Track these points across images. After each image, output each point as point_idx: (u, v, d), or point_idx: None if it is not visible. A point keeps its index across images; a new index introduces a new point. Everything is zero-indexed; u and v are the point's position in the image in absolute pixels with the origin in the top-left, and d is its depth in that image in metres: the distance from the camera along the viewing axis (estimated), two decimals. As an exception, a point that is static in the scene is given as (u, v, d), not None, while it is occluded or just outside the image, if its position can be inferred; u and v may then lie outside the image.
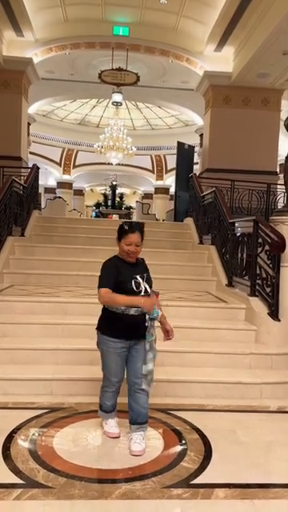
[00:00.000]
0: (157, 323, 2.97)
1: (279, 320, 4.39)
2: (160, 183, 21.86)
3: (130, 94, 12.75)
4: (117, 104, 13.39)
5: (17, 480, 2.47)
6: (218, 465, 2.71)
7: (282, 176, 6.98)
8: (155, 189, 22.15)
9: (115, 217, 16.15)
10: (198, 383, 3.81)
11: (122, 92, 12.29)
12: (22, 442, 2.89)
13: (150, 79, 12.43)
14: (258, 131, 10.56)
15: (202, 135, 12.40)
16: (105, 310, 3.00)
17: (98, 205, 20.00)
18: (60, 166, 21.23)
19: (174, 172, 13.97)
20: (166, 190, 21.57)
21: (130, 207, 19.46)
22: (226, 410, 3.57)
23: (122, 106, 15.04)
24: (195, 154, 12.68)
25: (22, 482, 2.45)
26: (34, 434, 3.00)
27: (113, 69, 11.16)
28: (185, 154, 11.66)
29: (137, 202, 17.54)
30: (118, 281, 2.85)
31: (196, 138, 14.11)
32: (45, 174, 19.55)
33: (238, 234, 5.67)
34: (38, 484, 2.42)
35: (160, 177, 21.83)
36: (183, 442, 2.99)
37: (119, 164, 17.70)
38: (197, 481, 2.53)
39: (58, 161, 21.09)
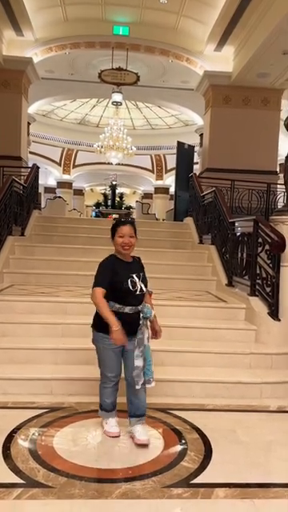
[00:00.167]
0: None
1: (279, 320, 4.39)
2: (160, 183, 21.86)
3: (130, 93, 12.75)
4: (117, 104, 13.39)
5: (17, 479, 2.47)
6: (218, 464, 2.71)
7: (281, 176, 6.98)
8: (155, 188, 22.15)
9: (115, 217, 16.12)
10: (198, 383, 3.81)
11: (122, 92, 12.29)
12: (22, 442, 2.89)
13: (150, 79, 12.43)
14: (257, 131, 10.55)
15: (201, 135, 12.40)
16: None
17: (97, 204, 20.01)
18: (60, 165, 21.23)
19: (173, 172, 13.97)
20: (165, 190, 21.57)
21: (130, 207, 19.46)
22: (226, 410, 3.57)
23: (122, 105, 15.04)
24: (195, 154, 12.67)
25: (22, 481, 2.45)
26: (34, 434, 3.00)
27: (113, 68, 11.16)
28: (185, 153, 11.66)
29: (137, 201, 17.55)
30: (114, 280, 2.91)
31: (196, 138, 14.11)
32: (45, 173, 19.55)
33: (238, 234, 5.67)
34: (38, 483, 2.42)
35: (160, 176, 21.83)
36: (183, 441, 2.99)
37: (119, 164, 17.69)
38: (197, 480, 2.53)
39: (58, 160, 21.10)
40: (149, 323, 3.07)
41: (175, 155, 11.91)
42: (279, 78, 10.04)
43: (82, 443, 2.93)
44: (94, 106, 18.08)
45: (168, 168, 21.20)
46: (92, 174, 22.10)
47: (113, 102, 13.40)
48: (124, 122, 16.72)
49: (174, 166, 12.33)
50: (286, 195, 5.08)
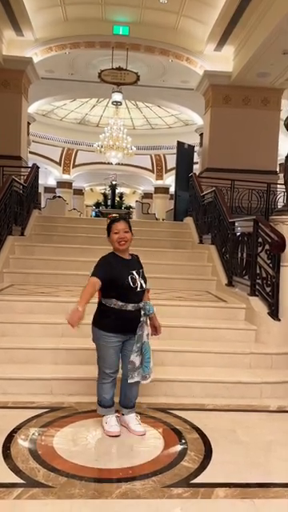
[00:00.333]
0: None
1: (279, 320, 4.39)
2: (160, 183, 21.85)
3: (130, 93, 12.75)
4: (117, 103, 13.38)
5: (17, 479, 2.47)
6: (218, 464, 2.71)
7: (281, 175, 6.98)
8: (155, 188, 22.14)
9: (114, 215, 16.10)
10: (198, 383, 3.81)
11: (122, 91, 12.28)
12: (22, 442, 2.89)
13: (150, 78, 12.43)
14: (257, 131, 10.55)
15: (201, 135, 12.39)
16: (101, 305, 3.09)
17: (97, 204, 19.98)
18: (60, 165, 21.22)
19: (173, 171, 13.97)
20: (165, 190, 21.56)
21: (130, 207, 19.45)
22: (226, 410, 3.57)
23: (122, 105, 15.02)
24: (195, 154, 12.67)
25: (22, 481, 2.45)
26: (34, 434, 3.00)
27: (113, 68, 11.16)
28: (185, 153, 11.65)
29: (136, 201, 17.54)
30: (114, 277, 2.96)
31: (196, 138, 14.11)
32: (44, 173, 19.54)
33: (238, 234, 5.67)
34: (39, 483, 2.42)
35: (160, 176, 21.83)
36: (183, 441, 2.99)
37: (119, 163, 17.68)
38: (197, 480, 2.53)
39: (58, 160, 21.08)
40: (148, 320, 3.13)
41: (175, 155, 11.90)
42: (279, 77, 10.04)
43: (82, 443, 2.93)
44: (94, 106, 18.07)
45: (168, 168, 21.19)
46: (92, 173, 22.09)
47: (113, 102, 13.40)
48: (124, 122, 16.71)
49: (174, 165, 12.32)
50: (286, 195, 5.08)
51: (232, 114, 10.55)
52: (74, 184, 21.94)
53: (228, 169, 10.07)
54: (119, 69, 11.13)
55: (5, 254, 6.15)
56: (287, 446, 3.06)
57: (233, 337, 4.49)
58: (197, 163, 13.19)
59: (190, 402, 3.64)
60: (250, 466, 2.74)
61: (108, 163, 17.63)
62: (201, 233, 7.76)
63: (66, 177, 21.45)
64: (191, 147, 12.04)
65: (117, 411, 3.19)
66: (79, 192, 22.93)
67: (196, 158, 13.23)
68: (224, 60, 10.41)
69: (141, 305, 3.04)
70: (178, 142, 11.80)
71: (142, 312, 3.03)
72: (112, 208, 17.63)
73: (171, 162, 18.89)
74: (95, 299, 3.18)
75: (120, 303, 2.98)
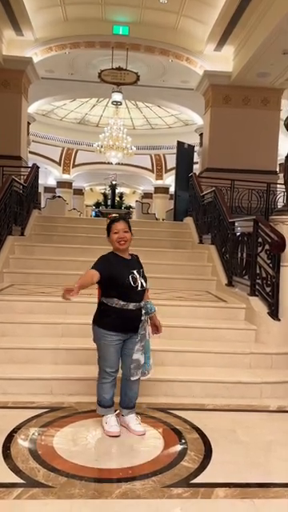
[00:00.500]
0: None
1: (279, 319, 4.39)
2: (160, 183, 21.86)
3: (130, 93, 12.75)
4: (116, 103, 13.38)
5: (17, 479, 2.47)
6: (218, 464, 2.71)
7: (281, 175, 6.98)
8: (155, 188, 22.14)
9: (114, 215, 16.10)
10: (198, 383, 3.81)
11: (122, 91, 12.28)
12: (22, 442, 2.89)
13: (150, 78, 12.43)
14: (257, 131, 10.55)
15: (201, 135, 12.39)
16: (102, 304, 3.11)
17: (97, 204, 19.97)
18: (60, 165, 21.22)
19: (173, 171, 13.96)
20: (165, 190, 21.56)
21: (130, 207, 19.44)
22: (226, 410, 3.57)
23: (122, 105, 15.02)
24: (195, 154, 12.67)
25: (22, 481, 2.45)
26: (33, 434, 3.00)
27: (113, 68, 11.16)
28: (184, 153, 11.65)
29: (136, 201, 17.54)
30: (115, 276, 2.98)
31: (196, 138, 14.11)
32: (44, 173, 19.54)
33: (238, 234, 5.67)
34: (39, 483, 2.42)
35: (160, 176, 21.83)
36: (183, 441, 2.99)
37: (119, 163, 17.68)
38: (197, 480, 2.53)
39: (58, 160, 21.09)
40: (149, 320, 3.18)
41: (175, 155, 11.90)
42: (279, 77, 10.04)
43: (82, 443, 2.93)
44: (94, 106, 18.07)
45: (168, 168, 21.19)
46: (92, 173, 22.09)
47: (113, 102, 13.39)
48: (124, 122, 16.71)
49: (174, 165, 12.32)
50: (286, 195, 5.08)
51: (232, 113, 10.55)
52: (73, 184, 21.94)
53: (228, 169, 10.07)
54: (119, 69, 11.13)
55: (5, 253, 6.15)
56: (287, 446, 3.06)
57: (233, 337, 4.49)
58: (197, 163, 13.19)
59: (190, 401, 3.64)
60: (250, 465, 2.74)
61: (108, 163, 17.63)
62: (201, 233, 7.76)
63: (65, 177, 21.45)
64: (191, 147, 12.04)
65: (117, 411, 3.19)
66: (79, 192, 22.93)
67: (196, 158, 13.23)
68: (224, 60, 10.41)
69: (142, 304, 3.07)
70: (178, 142, 11.80)
71: (144, 311, 3.07)
72: (112, 208, 17.62)
73: (171, 161, 18.89)
74: (95, 299, 3.18)
75: (122, 302, 3.00)
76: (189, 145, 11.98)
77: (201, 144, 12.57)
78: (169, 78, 12.62)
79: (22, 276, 5.94)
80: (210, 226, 7.28)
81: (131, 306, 3.01)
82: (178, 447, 2.92)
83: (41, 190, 15.19)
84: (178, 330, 4.38)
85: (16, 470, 2.55)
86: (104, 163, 18.77)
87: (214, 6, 8.95)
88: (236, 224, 5.87)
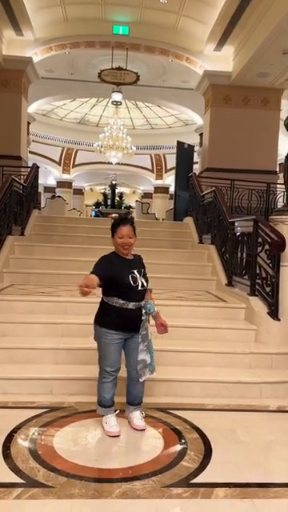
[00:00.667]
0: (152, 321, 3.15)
1: (279, 319, 4.39)
2: (160, 182, 21.86)
3: (130, 93, 12.75)
4: (116, 103, 13.38)
5: (17, 479, 2.47)
6: (218, 464, 2.71)
7: (281, 175, 6.99)
8: (155, 188, 22.15)
9: (114, 215, 16.14)
10: (198, 382, 3.81)
11: (122, 91, 12.28)
12: (22, 442, 2.89)
13: (150, 78, 12.43)
14: (257, 131, 10.55)
15: (201, 134, 12.39)
16: (103, 303, 3.13)
17: (97, 204, 20.01)
18: (60, 165, 21.22)
19: (173, 171, 13.97)
20: (165, 190, 21.56)
21: (130, 206, 19.46)
22: (226, 410, 3.57)
23: (122, 105, 15.03)
24: (195, 154, 12.67)
25: (22, 481, 2.45)
26: (33, 434, 3.00)
27: (112, 68, 11.16)
28: (184, 153, 11.65)
29: (136, 201, 17.54)
30: (115, 275, 3.00)
31: (196, 138, 14.11)
32: (44, 173, 19.54)
33: (238, 234, 5.67)
34: (39, 483, 2.42)
35: (160, 176, 21.83)
36: (183, 441, 2.99)
37: (119, 163, 17.68)
38: (197, 480, 2.53)
39: (58, 160, 21.09)
40: (152, 320, 3.19)
41: (175, 155, 11.90)
42: (279, 77, 10.04)
43: (82, 443, 2.93)
44: (94, 106, 18.07)
45: (168, 167, 21.19)
46: (92, 173, 22.10)
47: (112, 102, 13.39)
48: (124, 122, 16.71)
49: (174, 165, 12.32)
50: (286, 195, 5.08)
51: (232, 113, 10.55)
52: (73, 184, 21.95)
53: (228, 169, 10.07)
54: (119, 69, 11.13)
55: (5, 253, 6.15)
56: (287, 445, 3.06)
57: (233, 337, 4.49)
58: (197, 163, 13.19)
59: (190, 401, 3.64)
60: (250, 465, 2.74)
61: (108, 163, 17.63)
62: (201, 233, 7.76)
63: (65, 176, 21.46)
64: (191, 147, 12.04)
65: (117, 411, 3.19)
66: (79, 192, 22.94)
67: (196, 158, 13.23)
68: (224, 60, 10.41)
69: (142, 303, 3.08)
70: (178, 142, 11.81)
71: (144, 311, 3.08)
72: (112, 208, 17.66)
73: (171, 161, 18.89)
74: (97, 298, 3.18)
75: (121, 301, 3.02)
76: (189, 145, 11.98)
77: (201, 144, 12.57)
78: (169, 77, 12.62)
79: (22, 276, 5.94)
80: (209, 226, 7.28)
81: (131, 305, 3.03)
82: (178, 447, 2.92)
83: (41, 189, 15.20)
84: (177, 329, 4.37)
85: (16, 470, 2.55)
86: (104, 163, 18.77)
87: (214, 6, 8.95)
88: (236, 224, 5.87)
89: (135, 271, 3.07)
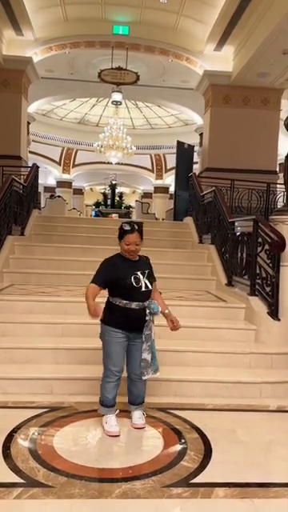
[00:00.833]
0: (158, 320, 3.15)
1: (279, 319, 4.39)
2: (159, 182, 21.86)
3: (130, 93, 12.75)
4: (116, 103, 13.38)
5: (17, 479, 2.47)
6: (218, 464, 2.71)
7: (281, 175, 6.98)
8: (155, 188, 22.14)
9: (115, 216, 16.15)
10: (198, 382, 3.81)
11: (122, 91, 12.28)
12: (22, 442, 2.89)
13: (150, 78, 12.42)
14: (257, 131, 10.55)
15: (201, 134, 12.39)
16: (108, 302, 3.18)
17: (97, 204, 20.01)
18: (59, 165, 21.22)
19: (173, 171, 13.96)
20: (165, 190, 21.56)
21: (130, 206, 19.46)
22: (226, 410, 3.57)
23: (122, 105, 15.03)
24: (195, 154, 12.67)
25: (22, 481, 2.45)
26: (33, 434, 3.00)
27: (112, 68, 11.16)
28: (184, 153, 11.65)
29: (136, 201, 17.54)
30: (117, 276, 3.06)
31: (196, 138, 14.10)
32: (44, 173, 19.54)
33: (238, 234, 5.67)
34: (39, 483, 2.43)
35: (159, 176, 21.83)
36: (183, 441, 2.99)
37: (119, 163, 17.68)
38: (197, 480, 2.53)
39: (58, 160, 21.08)
40: (156, 320, 3.21)
41: (175, 155, 11.90)
42: (279, 77, 10.04)
43: (82, 443, 2.94)
44: (94, 106, 18.07)
45: (168, 167, 21.19)
46: (92, 173, 22.09)
47: (112, 102, 13.39)
48: (124, 122, 16.71)
49: (174, 165, 12.31)
50: (286, 195, 5.08)
51: (232, 113, 10.55)
52: (73, 184, 21.94)
53: (228, 169, 10.07)
54: (119, 68, 11.13)
55: (5, 253, 6.15)
56: (287, 445, 3.07)
57: (233, 336, 4.49)
58: (197, 163, 13.19)
59: (190, 401, 3.64)
60: (250, 465, 2.74)
61: (108, 163, 17.63)
62: (201, 233, 7.76)
63: (65, 176, 21.45)
64: (191, 147, 12.04)
65: (117, 411, 3.19)
66: (79, 192, 22.93)
67: (196, 158, 13.23)
68: (224, 60, 10.41)
69: (146, 304, 3.10)
70: (178, 142, 11.80)
71: (148, 311, 3.09)
72: (112, 208, 17.67)
73: (171, 161, 18.89)
74: (99, 298, 3.19)
75: (124, 301, 3.07)
76: (189, 145, 11.98)
77: (201, 144, 12.57)
78: (169, 77, 12.62)
79: (22, 276, 5.94)
80: (209, 226, 7.28)
81: (134, 305, 3.06)
82: (178, 447, 2.92)
83: (41, 189, 15.20)
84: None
85: (16, 470, 2.55)
86: (104, 163, 18.77)
87: (214, 6, 8.95)
88: (236, 224, 5.87)
89: (139, 272, 3.10)
